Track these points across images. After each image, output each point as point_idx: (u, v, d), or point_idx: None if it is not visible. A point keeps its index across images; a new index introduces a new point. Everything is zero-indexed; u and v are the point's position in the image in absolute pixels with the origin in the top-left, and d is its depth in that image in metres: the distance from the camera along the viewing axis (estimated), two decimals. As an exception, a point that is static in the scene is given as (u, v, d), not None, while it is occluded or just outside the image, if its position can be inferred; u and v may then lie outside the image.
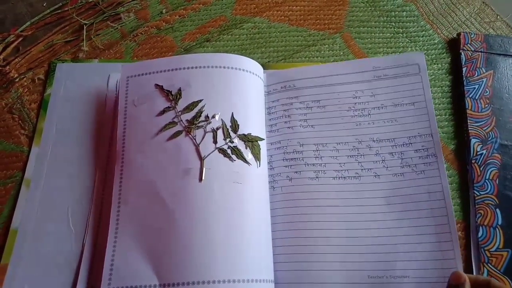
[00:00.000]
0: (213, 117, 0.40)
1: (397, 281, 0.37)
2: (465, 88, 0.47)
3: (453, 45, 0.50)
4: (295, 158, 0.42)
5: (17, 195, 0.41)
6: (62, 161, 0.42)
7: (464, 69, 0.48)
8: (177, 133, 0.40)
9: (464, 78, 0.47)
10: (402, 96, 0.45)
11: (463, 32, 0.50)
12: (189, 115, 0.40)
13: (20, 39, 0.50)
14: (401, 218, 0.40)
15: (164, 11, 0.52)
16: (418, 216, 0.40)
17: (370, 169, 0.42)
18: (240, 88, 0.42)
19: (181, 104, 0.41)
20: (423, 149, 0.43)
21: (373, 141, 0.43)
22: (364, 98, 0.45)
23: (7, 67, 0.48)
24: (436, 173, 0.41)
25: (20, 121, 0.45)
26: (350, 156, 0.43)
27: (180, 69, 0.42)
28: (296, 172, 0.42)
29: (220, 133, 0.40)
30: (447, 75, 0.49)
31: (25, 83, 0.47)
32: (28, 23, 0.51)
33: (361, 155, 0.42)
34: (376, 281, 0.37)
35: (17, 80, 0.47)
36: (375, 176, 0.42)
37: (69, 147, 0.43)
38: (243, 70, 0.43)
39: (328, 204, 0.40)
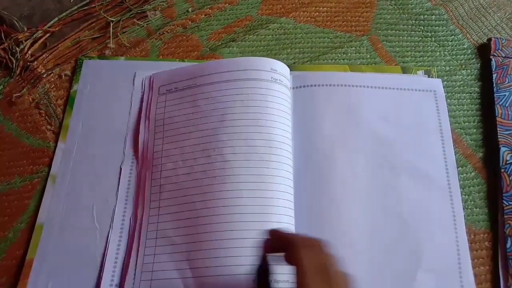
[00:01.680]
0: None
1: None
2: (495, 95, 0.46)
3: (483, 51, 0.49)
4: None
5: (43, 191, 0.41)
6: (87, 158, 0.43)
7: (494, 76, 0.47)
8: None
9: (494, 85, 0.46)
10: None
11: (494, 38, 0.49)
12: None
13: (48, 35, 0.50)
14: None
15: (190, 9, 0.52)
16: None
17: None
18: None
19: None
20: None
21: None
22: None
23: (35, 62, 0.48)
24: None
25: (46, 117, 0.45)
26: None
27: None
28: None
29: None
30: (477, 81, 0.48)
31: (52, 79, 0.47)
32: (56, 19, 0.51)
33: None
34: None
35: (44, 75, 0.47)
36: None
37: (95, 144, 0.43)
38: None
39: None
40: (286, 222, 0.38)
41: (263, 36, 0.50)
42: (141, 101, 0.45)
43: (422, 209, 0.40)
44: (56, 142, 0.44)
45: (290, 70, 0.46)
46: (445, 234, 0.40)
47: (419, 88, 0.46)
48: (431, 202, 0.41)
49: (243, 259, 0.35)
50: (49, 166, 0.42)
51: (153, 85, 0.45)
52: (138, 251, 0.38)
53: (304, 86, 0.46)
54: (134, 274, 0.37)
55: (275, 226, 0.37)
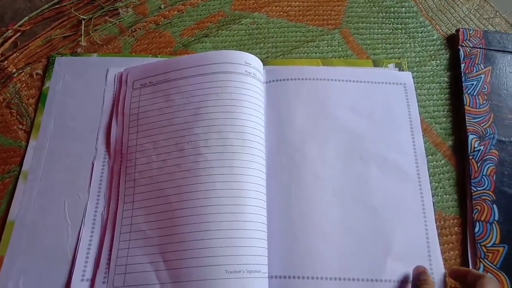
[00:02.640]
0: None
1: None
2: (463, 84, 0.47)
3: (452, 41, 0.50)
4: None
5: (14, 189, 0.41)
6: (59, 155, 0.42)
7: (462, 65, 0.48)
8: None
9: (462, 74, 0.47)
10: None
11: (462, 28, 0.50)
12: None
13: (18, 34, 0.50)
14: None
15: (162, 6, 0.52)
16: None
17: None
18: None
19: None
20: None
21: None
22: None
23: (5, 62, 0.48)
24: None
25: (18, 116, 0.45)
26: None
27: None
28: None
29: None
30: (446, 71, 0.49)
31: (23, 78, 0.47)
32: (27, 18, 0.50)
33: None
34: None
35: (15, 75, 0.47)
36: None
37: (67, 140, 0.43)
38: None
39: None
40: (259, 214, 0.38)
41: (236, 31, 0.50)
42: (114, 97, 0.45)
43: (392, 199, 0.41)
44: (27, 141, 0.43)
45: (263, 65, 0.46)
46: (414, 222, 0.40)
47: (389, 81, 0.47)
48: (401, 192, 0.41)
49: (217, 250, 0.36)
50: (21, 165, 0.42)
51: (128, 80, 0.45)
52: (111, 245, 0.38)
53: (276, 81, 0.46)
54: (108, 268, 0.37)
55: (248, 218, 0.37)
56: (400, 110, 0.45)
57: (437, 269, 0.38)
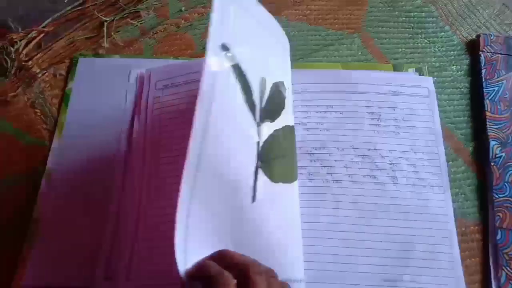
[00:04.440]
0: None
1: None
2: (484, 90, 0.47)
3: (473, 47, 0.50)
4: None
5: (38, 188, 0.42)
6: (82, 154, 0.43)
7: (483, 71, 0.48)
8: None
9: (483, 80, 0.47)
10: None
11: (483, 34, 0.50)
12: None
13: (42, 35, 0.51)
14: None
15: (183, 8, 0.52)
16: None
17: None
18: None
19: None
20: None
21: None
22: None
23: (30, 62, 0.48)
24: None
25: (42, 116, 0.46)
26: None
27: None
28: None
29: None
30: (466, 76, 0.49)
31: (47, 78, 0.48)
32: (50, 19, 0.51)
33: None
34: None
35: (39, 75, 0.48)
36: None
37: (90, 140, 0.44)
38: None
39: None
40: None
41: (255, 34, 0.51)
42: (136, 97, 0.46)
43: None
44: (51, 140, 0.44)
45: (283, 68, 0.46)
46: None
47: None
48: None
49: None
50: (44, 164, 0.43)
51: (151, 80, 0.46)
52: (133, 244, 0.38)
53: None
54: (129, 266, 0.37)
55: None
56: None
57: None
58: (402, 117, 0.45)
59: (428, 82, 0.47)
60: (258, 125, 0.34)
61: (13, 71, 0.48)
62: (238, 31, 0.33)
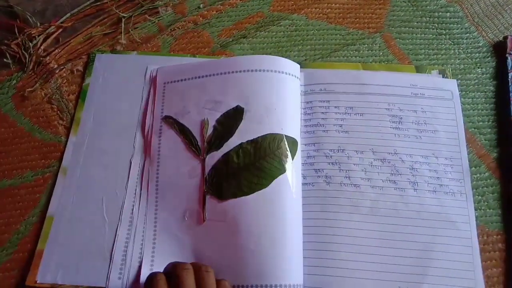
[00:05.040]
0: None
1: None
2: (510, 94, 0.45)
3: (499, 49, 0.48)
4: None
5: (54, 184, 0.42)
6: (98, 151, 0.43)
7: (510, 74, 0.46)
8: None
9: (510, 84, 0.45)
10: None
11: (510, 36, 0.48)
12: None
13: (60, 30, 0.50)
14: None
15: (201, 6, 0.52)
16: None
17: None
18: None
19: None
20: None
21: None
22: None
23: (47, 57, 0.48)
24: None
25: (58, 112, 0.46)
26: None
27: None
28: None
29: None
30: (492, 80, 0.47)
31: (64, 74, 0.48)
32: (68, 14, 0.51)
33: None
34: None
35: (56, 71, 0.48)
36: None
37: (106, 137, 0.43)
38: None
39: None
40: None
41: (274, 33, 0.50)
42: (148, 95, 0.45)
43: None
44: (67, 136, 0.44)
45: (301, 67, 0.45)
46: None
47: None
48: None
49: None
50: (60, 160, 0.43)
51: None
52: (147, 249, 0.38)
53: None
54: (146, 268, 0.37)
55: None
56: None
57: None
58: (424, 120, 0.43)
59: (452, 84, 0.45)
60: (203, 159, 0.40)
61: (30, 66, 0.48)
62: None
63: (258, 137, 0.40)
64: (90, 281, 0.37)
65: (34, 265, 0.38)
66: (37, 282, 0.37)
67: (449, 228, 0.39)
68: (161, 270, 0.34)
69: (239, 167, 0.39)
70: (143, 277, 0.36)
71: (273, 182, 0.38)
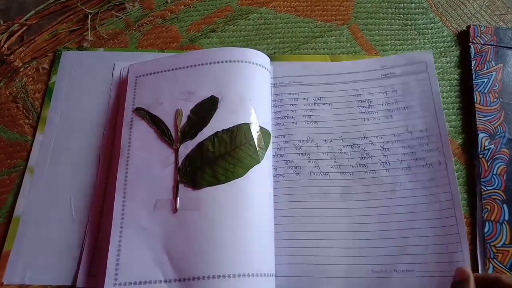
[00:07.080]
0: None
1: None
2: (474, 81, 0.46)
3: (463, 38, 0.50)
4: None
5: (21, 184, 0.41)
6: (66, 149, 0.42)
7: (473, 63, 0.47)
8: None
9: (473, 72, 0.47)
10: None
11: (473, 25, 0.49)
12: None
13: (25, 28, 0.49)
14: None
15: (169, 0, 0.51)
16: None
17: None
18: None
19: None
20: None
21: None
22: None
23: (12, 56, 0.47)
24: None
25: (24, 111, 0.45)
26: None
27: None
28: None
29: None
30: (456, 68, 0.48)
31: (29, 72, 0.47)
32: (33, 12, 0.50)
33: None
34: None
35: (21, 69, 0.47)
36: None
37: (73, 135, 0.43)
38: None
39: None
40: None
41: (243, 27, 0.50)
42: (120, 92, 0.45)
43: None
44: (34, 136, 0.43)
45: (271, 61, 0.46)
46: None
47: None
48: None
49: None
50: (27, 159, 0.42)
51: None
52: (113, 242, 0.37)
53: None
54: (115, 265, 0.36)
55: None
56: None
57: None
58: (396, 99, 0.44)
59: (427, 55, 0.46)
60: (176, 149, 0.40)
61: (-5, 65, 0.47)
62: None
63: (234, 126, 0.40)
64: (59, 280, 0.37)
65: (0, 267, 0.37)
66: (4, 283, 0.36)
67: (427, 202, 0.39)
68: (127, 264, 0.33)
69: (215, 155, 0.39)
70: (109, 273, 0.35)
71: (248, 172, 0.38)
